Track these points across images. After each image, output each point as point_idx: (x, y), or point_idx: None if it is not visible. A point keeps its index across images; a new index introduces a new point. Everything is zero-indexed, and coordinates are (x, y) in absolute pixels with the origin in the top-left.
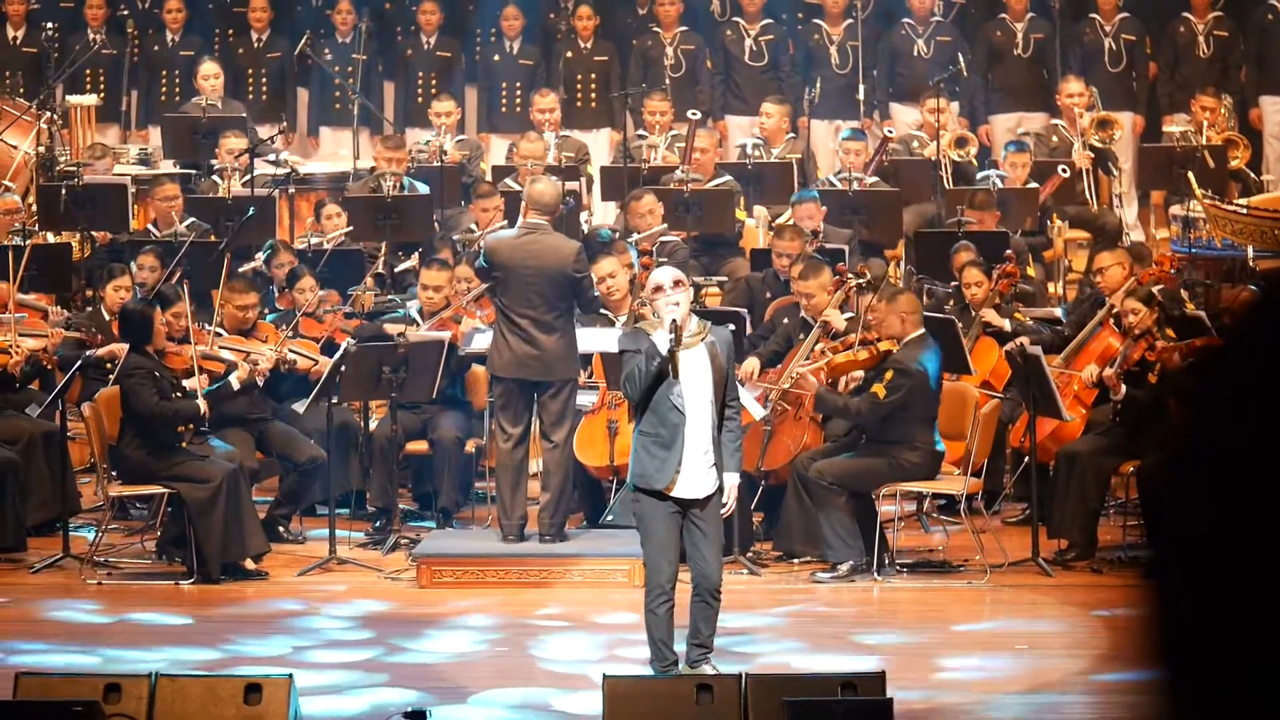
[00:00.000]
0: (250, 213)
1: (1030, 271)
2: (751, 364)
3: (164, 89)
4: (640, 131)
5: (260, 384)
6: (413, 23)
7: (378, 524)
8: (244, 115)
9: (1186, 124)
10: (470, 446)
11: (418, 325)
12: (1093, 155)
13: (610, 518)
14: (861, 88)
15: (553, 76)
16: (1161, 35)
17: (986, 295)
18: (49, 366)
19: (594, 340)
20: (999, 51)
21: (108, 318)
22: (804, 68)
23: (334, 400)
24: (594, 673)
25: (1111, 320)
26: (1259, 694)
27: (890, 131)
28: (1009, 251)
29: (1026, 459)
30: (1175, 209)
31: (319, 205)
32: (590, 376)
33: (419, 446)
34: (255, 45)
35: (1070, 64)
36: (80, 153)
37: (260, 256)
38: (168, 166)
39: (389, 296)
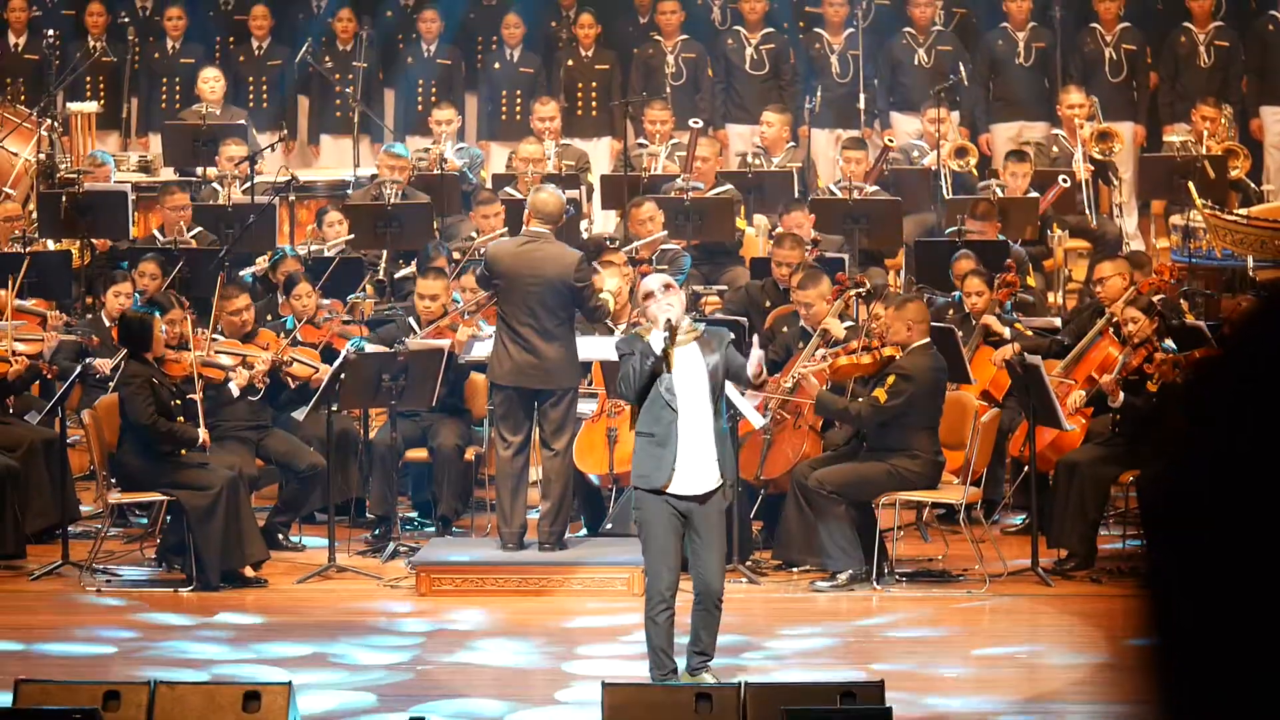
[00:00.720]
0: (251, 220)
1: (1030, 281)
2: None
3: (164, 96)
4: (641, 140)
5: (259, 390)
6: (414, 31)
7: (377, 532)
8: (244, 123)
9: (1187, 134)
10: (470, 454)
11: (415, 334)
12: (1093, 168)
13: (609, 526)
14: (862, 97)
15: (553, 85)
16: (1162, 45)
17: (987, 304)
18: (49, 376)
19: (593, 348)
20: (1000, 61)
21: (108, 324)
22: (805, 77)
23: (334, 408)
24: (593, 680)
25: (1111, 330)
26: (1258, 701)
27: (891, 141)
28: (1009, 261)
29: (1026, 468)
30: (1175, 219)
31: (321, 213)
32: (590, 384)
33: (418, 454)
34: (256, 53)
35: (1071, 74)
36: (81, 160)
37: (262, 262)
38: (168, 174)
39: (389, 304)
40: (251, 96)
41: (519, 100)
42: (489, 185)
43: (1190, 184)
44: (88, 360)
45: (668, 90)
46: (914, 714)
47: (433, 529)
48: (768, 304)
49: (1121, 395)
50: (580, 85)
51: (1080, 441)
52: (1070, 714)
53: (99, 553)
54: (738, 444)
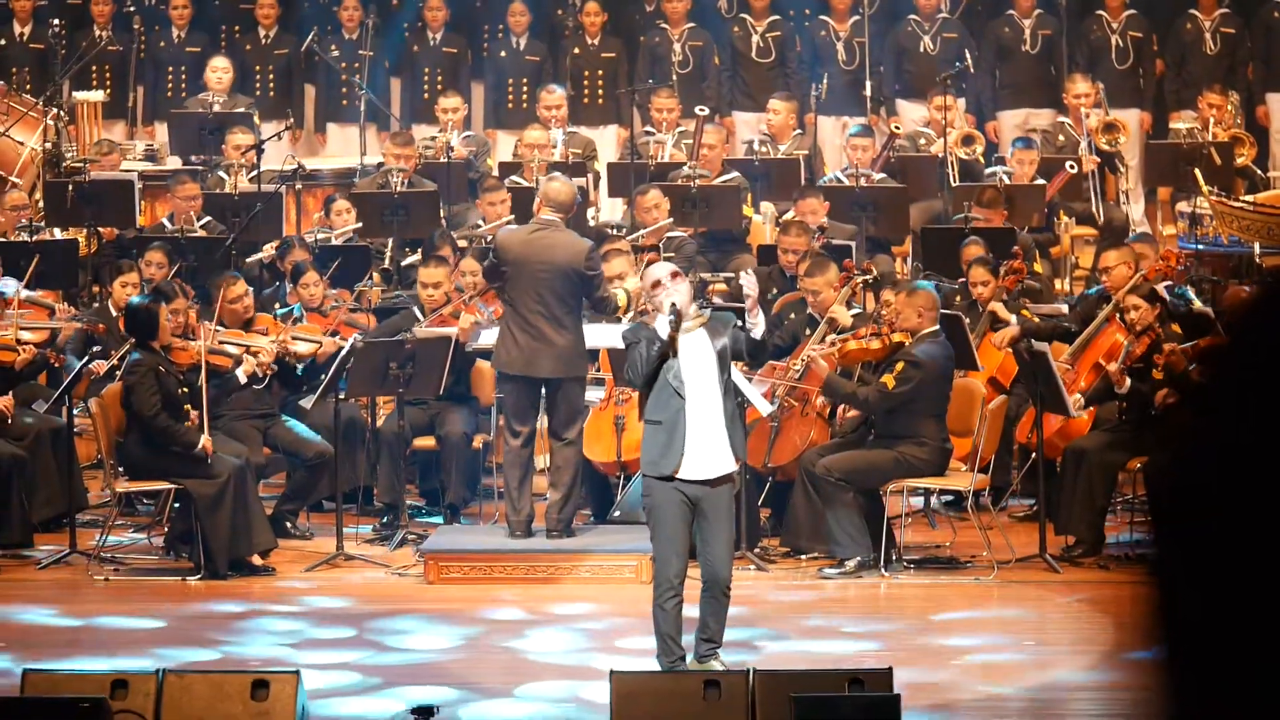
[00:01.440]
0: (258, 209)
1: (1037, 267)
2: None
3: (170, 85)
4: (647, 128)
5: (264, 377)
6: (419, 19)
7: (385, 520)
8: (251, 111)
9: (1193, 121)
10: (477, 442)
11: (420, 322)
12: (1098, 159)
13: (617, 513)
14: (868, 84)
15: (560, 73)
16: (1168, 32)
17: (993, 294)
18: (56, 365)
19: (600, 336)
20: (1006, 48)
21: (115, 314)
22: (811, 64)
23: (341, 396)
24: (602, 668)
25: (1118, 316)
26: (1264, 690)
27: (897, 128)
28: (1016, 248)
29: (1034, 455)
30: (1182, 205)
31: (328, 201)
32: (598, 370)
33: (426, 442)
34: (263, 41)
35: (1077, 61)
36: (87, 149)
37: (268, 249)
38: (174, 162)
39: (395, 292)
40: (258, 85)
41: (525, 88)
42: (495, 173)
43: (1196, 171)
44: (88, 357)
45: (674, 78)
46: (922, 701)
47: (440, 517)
48: (774, 291)
49: (1128, 382)
50: (586, 73)
51: (1088, 428)
52: (1078, 701)
53: (106, 541)
54: (746, 428)
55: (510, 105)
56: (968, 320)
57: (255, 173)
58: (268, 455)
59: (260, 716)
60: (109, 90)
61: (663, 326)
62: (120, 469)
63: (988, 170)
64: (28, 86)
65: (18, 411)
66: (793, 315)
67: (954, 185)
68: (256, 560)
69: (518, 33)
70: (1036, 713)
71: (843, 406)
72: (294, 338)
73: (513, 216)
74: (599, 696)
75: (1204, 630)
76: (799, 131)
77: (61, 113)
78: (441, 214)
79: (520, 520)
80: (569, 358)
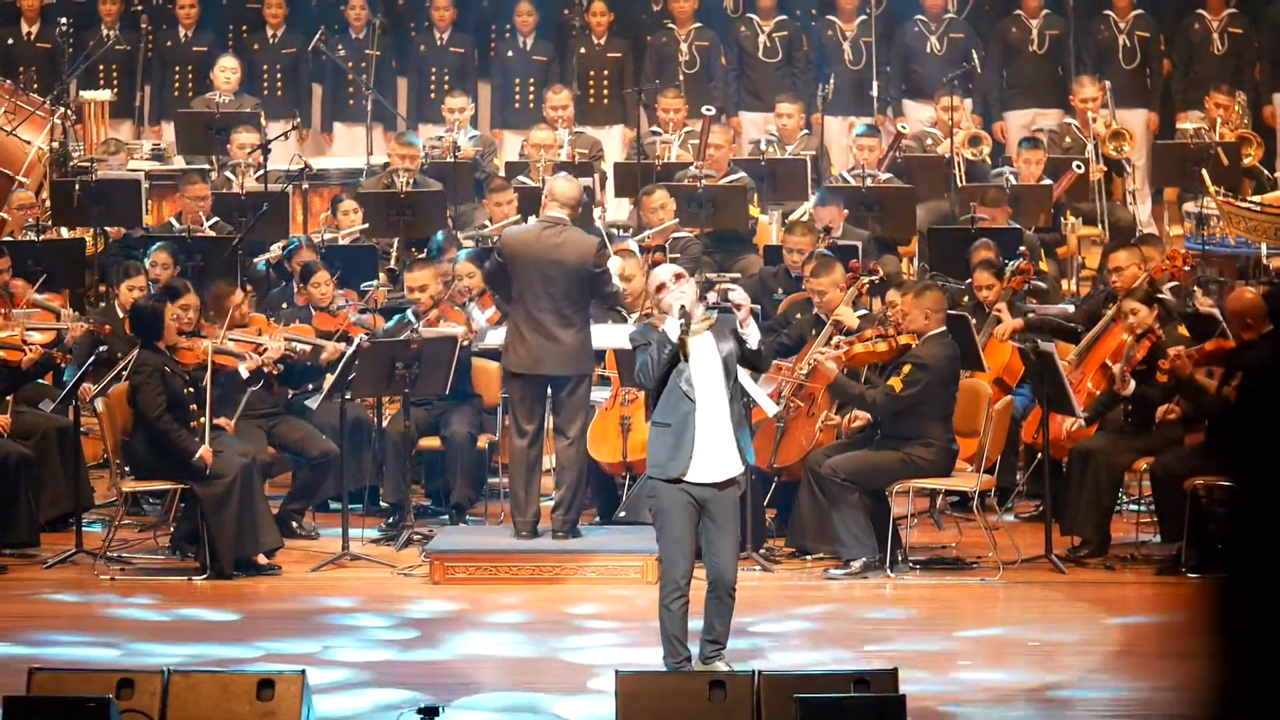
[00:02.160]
0: (264, 208)
1: (1043, 266)
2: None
3: (177, 85)
4: (654, 128)
5: (270, 375)
6: (426, 19)
7: (391, 520)
8: (257, 111)
9: (1200, 121)
10: (483, 442)
11: (413, 326)
12: (1104, 168)
13: (622, 514)
14: (875, 84)
15: (566, 73)
16: (1175, 32)
17: (998, 296)
18: (62, 365)
19: (606, 336)
20: (1014, 48)
21: (122, 316)
22: (817, 64)
23: (347, 396)
24: (607, 668)
25: (1123, 317)
26: None
27: (904, 128)
28: (1023, 249)
29: (1040, 456)
30: (1189, 206)
31: (335, 201)
32: (604, 370)
33: (431, 442)
34: (270, 41)
35: (1085, 61)
36: (94, 148)
37: (275, 248)
38: (180, 162)
39: (401, 293)
40: (265, 84)
41: (532, 88)
42: (502, 173)
43: (1204, 171)
44: (93, 358)
45: (681, 78)
46: (927, 702)
47: (446, 517)
48: (780, 291)
49: (1132, 384)
50: (593, 73)
51: (1094, 429)
52: (1084, 701)
53: (113, 541)
54: (752, 430)
55: (517, 105)
56: (974, 321)
57: (262, 172)
58: (273, 455)
59: (266, 716)
60: (116, 89)
61: (672, 329)
62: (126, 468)
63: (994, 171)
64: (35, 85)
65: (25, 410)
66: (799, 315)
67: (961, 186)
68: (262, 560)
69: (525, 33)
70: (1042, 714)
71: (849, 417)
72: (288, 339)
73: (519, 216)
74: (604, 697)
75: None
76: (806, 132)
77: (69, 112)
78: (448, 214)
79: (526, 521)
80: (576, 356)
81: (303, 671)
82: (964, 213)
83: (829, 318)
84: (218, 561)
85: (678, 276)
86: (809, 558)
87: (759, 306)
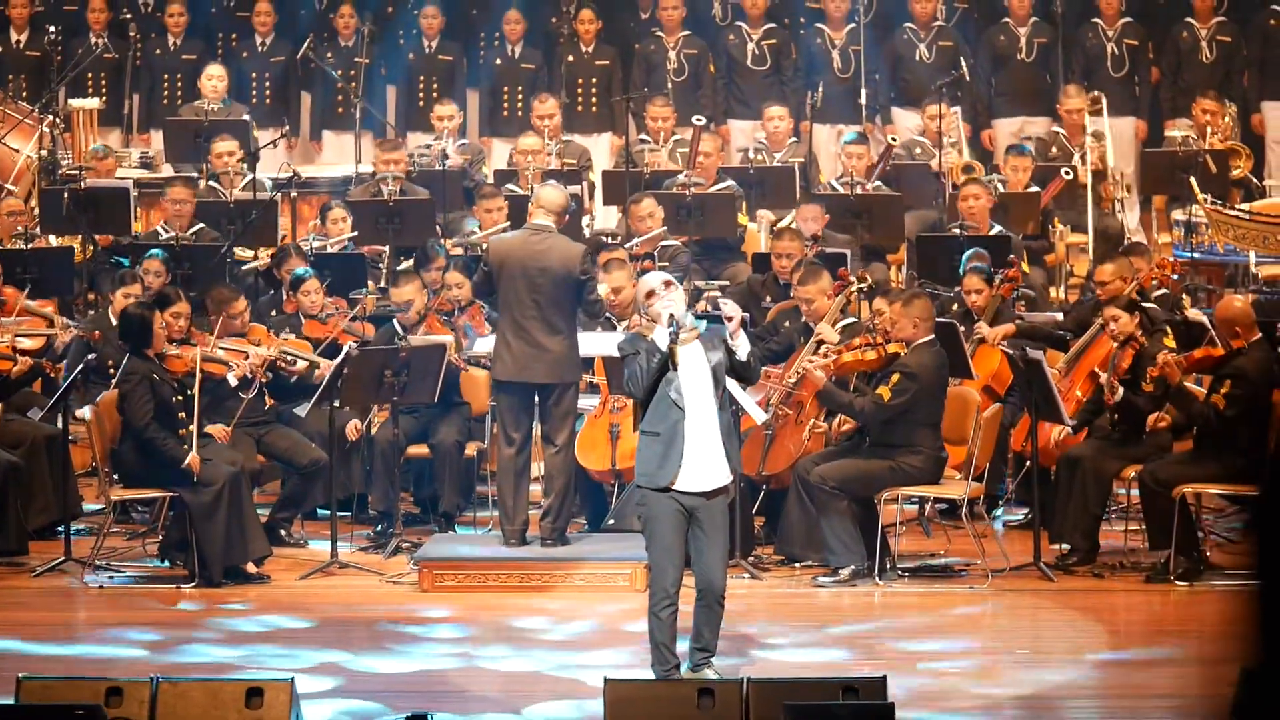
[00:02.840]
0: (253, 216)
1: (1025, 268)
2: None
3: (165, 93)
4: (642, 136)
5: (259, 383)
6: (414, 27)
7: (379, 528)
8: (245, 119)
9: (1189, 129)
10: (471, 450)
11: (401, 338)
12: (1092, 175)
13: (611, 522)
14: (864, 92)
15: (554, 81)
16: (1164, 40)
17: (987, 303)
18: (52, 375)
19: (595, 344)
20: (1002, 56)
21: (114, 323)
22: (806, 72)
23: (336, 404)
24: (595, 676)
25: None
26: None
27: (893, 139)
28: (1012, 256)
29: (1028, 463)
30: (1177, 214)
31: (324, 209)
32: (593, 378)
33: (420, 450)
34: (259, 49)
35: (1073, 69)
36: (82, 156)
37: (264, 254)
38: (169, 170)
39: (389, 301)
40: (254, 92)
41: (520, 96)
42: (491, 181)
43: (1192, 179)
44: (81, 365)
45: (669, 86)
46: (916, 710)
47: (435, 525)
48: (768, 298)
49: (1120, 392)
50: (581, 81)
51: (1083, 436)
52: (1072, 709)
53: (101, 549)
54: (740, 439)
55: (505, 113)
56: (963, 329)
57: (250, 179)
58: (262, 463)
59: None
60: (104, 98)
61: (661, 338)
62: (115, 476)
63: (984, 178)
64: (24, 93)
65: (13, 418)
66: (787, 323)
67: (950, 194)
68: (251, 568)
69: (513, 40)
70: None
71: (837, 422)
72: (284, 353)
73: (508, 224)
74: (593, 705)
75: None
76: (794, 139)
77: (57, 120)
78: (437, 222)
79: (515, 529)
80: (563, 364)
81: (291, 679)
82: (953, 221)
83: (817, 325)
84: (206, 570)
85: (667, 284)
86: (797, 565)
87: (749, 315)
